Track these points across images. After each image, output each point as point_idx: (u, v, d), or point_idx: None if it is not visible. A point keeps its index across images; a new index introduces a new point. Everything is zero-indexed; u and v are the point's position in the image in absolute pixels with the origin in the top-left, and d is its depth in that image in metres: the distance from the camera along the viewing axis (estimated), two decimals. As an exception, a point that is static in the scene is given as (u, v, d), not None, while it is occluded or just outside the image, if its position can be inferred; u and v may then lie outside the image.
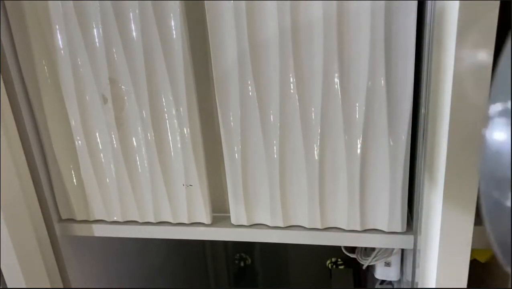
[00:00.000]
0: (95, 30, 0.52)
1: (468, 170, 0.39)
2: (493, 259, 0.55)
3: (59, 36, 0.54)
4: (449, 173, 0.39)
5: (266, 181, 0.55)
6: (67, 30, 0.53)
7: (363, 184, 0.53)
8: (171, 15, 0.50)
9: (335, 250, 1.26)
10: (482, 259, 0.56)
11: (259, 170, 0.55)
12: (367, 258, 0.66)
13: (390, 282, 0.74)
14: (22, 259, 0.58)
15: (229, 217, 0.59)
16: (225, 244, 1.39)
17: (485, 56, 0.36)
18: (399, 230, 0.54)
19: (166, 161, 0.57)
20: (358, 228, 0.55)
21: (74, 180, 0.61)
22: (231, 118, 0.53)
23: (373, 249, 0.66)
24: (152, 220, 0.61)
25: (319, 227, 0.56)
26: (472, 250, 0.42)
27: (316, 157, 0.52)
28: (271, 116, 0.52)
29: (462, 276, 0.43)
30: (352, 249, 0.69)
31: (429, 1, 0.44)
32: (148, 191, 0.59)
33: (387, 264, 0.67)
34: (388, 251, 0.65)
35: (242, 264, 1.43)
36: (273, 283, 1.45)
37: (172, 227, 0.61)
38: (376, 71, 0.47)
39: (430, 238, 0.45)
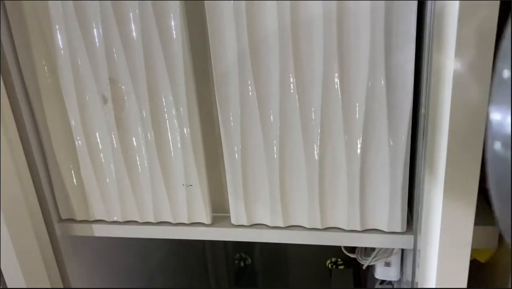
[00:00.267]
0: (95, 30, 0.52)
1: (468, 170, 0.39)
2: (493, 259, 0.55)
3: (59, 36, 0.54)
4: (449, 173, 0.39)
5: (266, 181, 0.55)
6: (67, 30, 0.53)
7: (363, 184, 0.53)
8: (171, 15, 0.50)
9: (335, 250, 1.26)
10: (482, 259, 0.56)
11: (259, 170, 0.55)
12: (367, 258, 0.66)
13: (390, 282, 0.74)
14: (22, 259, 0.58)
15: (229, 217, 0.59)
16: (225, 244, 1.39)
17: (485, 56, 0.36)
18: (399, 230, 0.54)
19: (166, 161, 0.57)
20: (358, 228, 0.55)
21: (74, 180, 0.61)
22: (231, 118, 0.53)
23: (373, 249, 0.66)
24: (152, 220, 0.61)
25: (319, 227, 0.56)
26: (472, 250, 0.42)
27: (316, 157, 0.52)
28: (271, 116, 0.52)
29: (462, 276, 0.43)
30: (352, 249, 0.69)
31: (429, 1, 0.44)
32: (148, 191, 0.59)
33: (387, 264, 0.67)
34: (388, 251, 0.65)
35: (242, 264, 1.43)
36: (273, 283, 1.45)
37: (172, 227, 0.61)
38: (376, 71, 0.47)
39: (430, 238, 0.45)
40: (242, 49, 0.49)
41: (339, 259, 1.29)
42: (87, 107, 0.56)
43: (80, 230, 0.64)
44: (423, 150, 0.48)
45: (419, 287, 0.52)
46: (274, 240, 0.59)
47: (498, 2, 0.34)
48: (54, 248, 0.64)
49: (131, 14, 0.50)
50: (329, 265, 1.30)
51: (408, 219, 0.55)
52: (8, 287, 0.59)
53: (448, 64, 0.37)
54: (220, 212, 0.61)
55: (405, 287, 0.66)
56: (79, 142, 0.59)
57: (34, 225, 0.59)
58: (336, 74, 0.48)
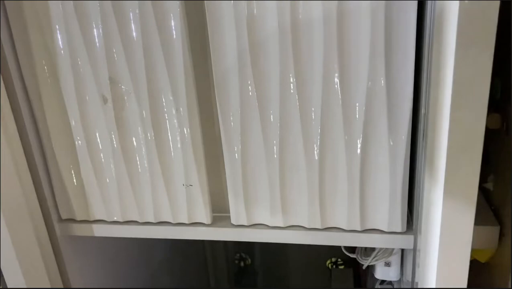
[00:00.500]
0: (95, 30, 0.52)
1: (468, 170, 0.39)
2: (493, 259, 0.55)
3: (59, 36, 0.54)
4: (449, 173, 0.39)
5: (266, 181, 0.55)
6: (67, 30, 0.53)
7: (363, 184, 0.53)
8: (171, 15, 0.50)
9: (335, 250, 1.26)
10: (482, 259, 0.56)
11: (259, 170, 0.55)
12: (367, 258, 0.66)
13: (390, 282, 0.74)
14: (22, 259, 0.58)
15: (229, 217, 0.59)
16: (225, 244, 1.39)
17: (485, 56, 0.36)
18: (399, 230, 0.54)
19: (166, 161, 0.57)
20: (358, 228, 0.55)
21: (74, 180, 0.61)
22: (231, 118, 0.53)
23: (373, 249, 0.66)
24: (152, 220, 0.61)
25: (319, 227, 0.56)
26: (472, 250, 0.42)
27: (316, 157, 0.52)
28: (271, 116, 0.52)
29: (462, 276, 0.43)
30: (352, 249, 0.69)
31: (429, 1, 0.44)
32: (148, 191, 0.59)
33: (387, 264, 0.67)
34: (388, 251, 0.65)
35: (242, 264, 1.43)
36: (273, 283, 1.45)
37: (172, 227, 0.61)
38: (376, 71, 0.47)
39: (430, 238, 0.45)
40: (242, 49, 0.49)
41: (339, 259, 1.29)
42: (87, 107, 0.56)
43: (80, 230, 0.64)
44: (423, 150, 0.48)
45: (419, 287, 0.52)
46: (274, 240, 0.59)
47: (498, 2, 0.34)
48: (54, 248, 0.64)
49: (131, 14, 0.50)
50: (329, 265, 1.30)
51: (408, 219, 0.55)
52: (8, 287, 0.59)
53: (448, 64, 0.37)
54: (220, 212, 0.61)
55: (405, 287, 0.66)
56: (79, 142, 0.59)
57: (34, 225, 0.59)
58: (336, 74, 0.48)
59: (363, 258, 0.67)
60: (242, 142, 0.54)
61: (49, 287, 0.62)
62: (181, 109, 0.54)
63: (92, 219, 0.63)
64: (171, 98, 0.53)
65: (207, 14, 0.49)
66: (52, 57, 0.55)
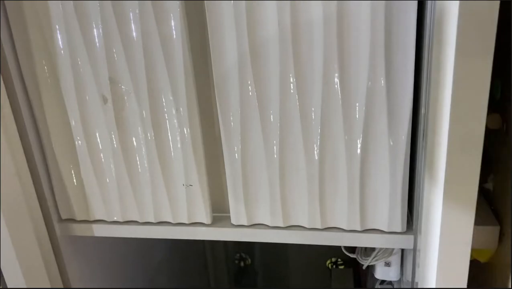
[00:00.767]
0: (95, 30, 0.52)
1: (468, 170, 0.39)
2: (493, 259, 0.55)
3: (59, 36, 0.54)
4: (449, 173, 0.39)
5: (266, 181, 0.55)
6: (67, 30, 0.53)
7: (363, 184, 0.53)
8: (171, 15, 0.50)
9: (335, 250, 1.26)
10: (482, 259, 0.56)
11: (259, 170, 0.55)
12: (367, 258, 0.66)
13: (390, 282, 0.74)
14: (22, 259, 0.58)
15: (229, 217, 0.59)
16: (225, 244, 1.39)
17: (485, 56, 0.36)
18: (399, 230, 0.54)
19: (166, 161, 0.57)
20: (358, 228, 0.55)
21: (74, 180, 0.61)
22: (231, 118, 0.53)
23: (373, 249, 0.66)
24: (152, 220, 0.61)
25: (319, 227, 0.56)
26: (472, 250, 0.42)
27: (316, 157, 0.52)
28: (271, 116, 0.52)
29: (462, 276, 0.43)
30: (352, 249, 0.69)
31: (429, 1, 0.44)
32: (148, 191, 0.59)
33: (387, 264, 0.67)
34: (388, 251, 0.65)
35: (242, 264, 1.43)
36: (273, 283, 1.45)
37: (172, 227, 0.61)
38: (376, 71, 0.47)
39: (430, 238, 0.45)
40: (242, 49, 0.49)
41: (339, 259, 1.29)
42: (87, 107, 0.56)
43: (80, 230, 0.64)
44: (423, 150, 0.48)
45: (419, 287, 0.52)
46: (274, 240, 0.59)
47: (498, 2, 0.34)
48: (54, 248, 0.64)
49: (131, 14, 0.50)
50: (329, 265, 1.30)
51: (408, 219, 0.55)
52: (8, 287, 0.59)
53: (448, 64, 0.37)
54: (220, 212, 0.61)
55: (405, 287, 0.66)
56: (79, 142, 0.59)
57: (34, 225, 0.59)
58: (336, 74, 0.48)
59: (363, 258, 0.67)
60: (242, 142, 0.54)
61: (49, 287, 0.62)
62: (181, 109, 0.54)
63: (92, 219, 0.63)
64: (171, 98, 0.53)
65: (207, 14, 0.49)
66: (52, 57, 0.55)
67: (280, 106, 0.51)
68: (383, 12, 0.45)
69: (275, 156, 0.53)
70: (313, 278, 1.38)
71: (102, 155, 0.59)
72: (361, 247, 0.68)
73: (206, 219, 0.60)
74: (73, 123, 0.58)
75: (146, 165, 0.58)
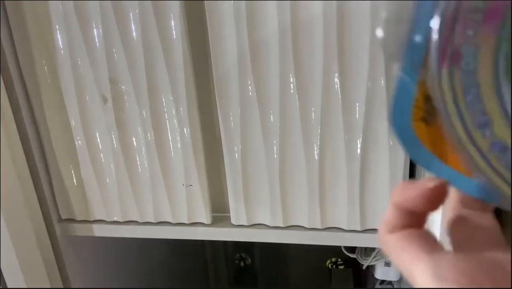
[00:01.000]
0: (95, 30, 0.52)
1: (468, 170, 0.39)
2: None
3: (59, 36, 0.54)
4: (449, 173, 0.39)
5: (266, 181, 0.55)
6: (67, 30, 0.53)
7: (363, 184, 0.53)
8: (171, 15, 0.50)
9: (335, 250, 1.26)
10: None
11: (259, 170, 0.55)
12: (367, 258, 0.66)
13: (390, 282, 0.74)
14: (22, 259, 0.58)
15: (229, 217, 0.59)
16: (225, 244, 1.39)
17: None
18: (399, 230, 0.54)
19: (166, 161, 0.57)
20: (358, 228, 0.55)
21: (74, 180, 0.61)
22: (231, 118, 0.53)
23: (373, 249, 0.66)
24: (152, 220, 0.61)
25: (319, 227, 0.56)
26: (472, 250, 0.42)
27: (316, 157, 0.52)
28: (271, 116, 0.52)
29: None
30: (352, 249, 0.69)
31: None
32: (148, 191, 0.59)
33: (387, 264, 0.67)
34: (388, 251, 0.64)
35: (242, 264, 1.43)
36: (273, 283, 1.45)
37: (172, 227, 0.61)
38: (376, 71, 0.47)
39: (430, 238, 0.45)
40: (242, 49, 0.49)
41: (339, 259, 1.29)
42: (87, 107, 0.56)
43: (80, 230, 0.64)
44: (423, 150, 0.48)
45: (419, 287, 0.52)
46: (274, 240, 0.59)
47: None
48: (54, 248, 0.64)
49: (131, 14, 0.50)
50: (329, 265, 1.30)
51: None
52: (8, 287, 0.59)
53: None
54: (220, 212, 0.61)
55: (405, 287, 0.67)
56: (79, 142, 0.59)
57: (34, 225, 0.59)
58: (336, 74, 0.48)
59: (363, 258, 0.67)
60: (242, 142, 0.54)
61: (49, 287, 0.62)
62: (181, 109, 0.54)
63: (92, 219, 0.63)
64: (171, 98, 0.53)
65: (207, 14, 0.49)
66: (52, 57, 0.55)
67: (280, 106, 0.51)
68: (383, 12, 0.45)
69: (275, 156, 0.53)
70: (313, 278, 1.38)
71: (102, 155, 0.59)
72: (361, 247, 0.68)
73: (206, 219, 0.60)
74: (73, 123, 0.58)
75: (146, 165, 0.58)
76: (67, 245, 0.66)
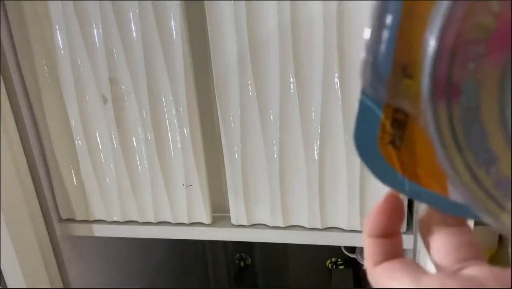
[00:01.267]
0: (95, 30, 0.52)
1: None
2: (493, 259, 0.55)
3: (59, 36, 0.54)
4: (449, 173, 0.39)
5: (266, 181, 0.55)
6: (67, 30, 0.53)
7: (363, 184, 0.53)
8: (171, 15, 0.50)
9: (335, 250, 1.26)
10: (482, 259, 0.56)
11: (259, 170, 0.55)
12: (367, 258, 0.66)
13: (390, 282, 0.74)
14: (22, 259, 0.58)
15: (229, 217, 0.59)
16: (225, 244, 1.39)
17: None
18: (399, 230, 0.54)
19: (166, 161, 0.57)
20: (358, 228, 0.55)
21: (74, 180, 0.61)
22: (231, 118, 0.53)
23: (373, 249, 0.66)
24: (152, 220, 0.61)
25: (319, 227, 0.56)
26: (472, 250, 0.42)
27: (316, 157, 0.52)
28: (271, 116, 0.52)
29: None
30: (352, 249, 0.69)
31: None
32: (148, 191, 0.59)
33: (387, 264, 0.67)
34: (388, 251, 0.65)
35: (242, 264, 1.43)
36: (273, 283, 1.45)
37: (172, 227, 0.61)
38: (376, 71, 0.47)
39: (430, 238, 0.45)
40: (242, 49, 0.49)
41: (339, 259, 1.29)
42: (87, 107, 0.56)
43: (80, 230, 0.64)
44: (423, 150, 0.48)
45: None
46: (274, 240, 0.59)
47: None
48: (54, 248, 0.64)
49: (131, 14, 0.50)
50: (329, 265, 1.30)
51: (408, 219, 0.55)
52: (8, 287, 0.59)
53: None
54: (220, 212, 0.61)
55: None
56: (79, 142, 0.59)
57: (34, 225, 0.59)
58: (336, 74, 0.48)
59: (363, 258, 0.67)
60: (242, 142, 0.54)
61: (49, 287, 0.62)
62: (181, 109, 0.54)
63: (92, 219, 0.63)
64: (171, 98, 0.53)
65: (207, 14, 0.49)
66: (52, 57, 0.55)
67: (280, 106, 0.51)
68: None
69: (275, 156, 0.53)
70: (313, 278, 1.38)
71: (102, 155, 0.59)
72: (361, 247, 0.68)
73: (206, 219, 0.60)
74: (73, 123, 0.58)
75: (146, 165, 0.58)
76: (67, 245, 0.66)
